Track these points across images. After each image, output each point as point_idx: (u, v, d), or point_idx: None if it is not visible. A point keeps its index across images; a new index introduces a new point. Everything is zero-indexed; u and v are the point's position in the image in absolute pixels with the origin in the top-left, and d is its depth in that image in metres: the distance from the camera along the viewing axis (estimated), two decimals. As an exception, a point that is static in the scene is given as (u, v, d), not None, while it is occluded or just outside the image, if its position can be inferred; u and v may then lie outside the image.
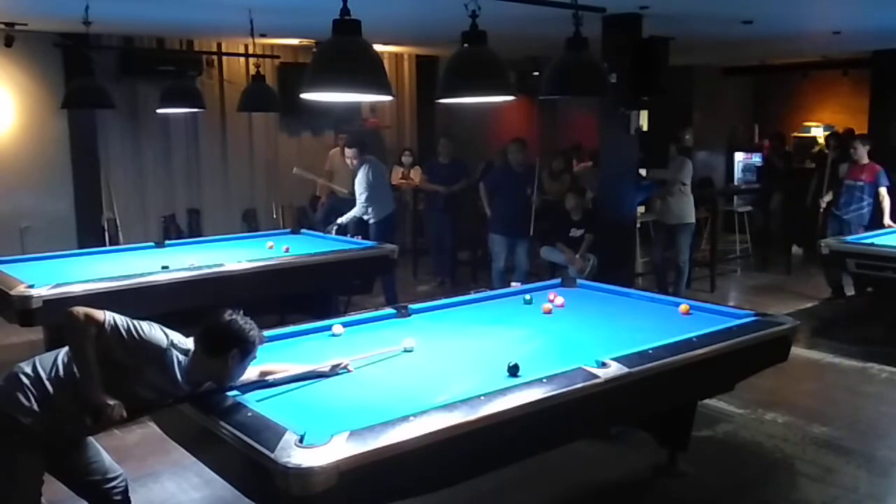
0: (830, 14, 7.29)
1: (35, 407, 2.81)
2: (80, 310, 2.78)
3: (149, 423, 3.96)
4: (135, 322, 2.84)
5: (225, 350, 2.87)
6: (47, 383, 2.86)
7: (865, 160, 7.83)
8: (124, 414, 2.74)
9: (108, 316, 2.78)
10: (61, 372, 2.86)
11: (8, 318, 5.13)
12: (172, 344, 2.87)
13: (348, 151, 7.63)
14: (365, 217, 7.57)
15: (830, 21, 7.55)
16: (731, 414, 4.95)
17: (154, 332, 2.87)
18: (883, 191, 7.65)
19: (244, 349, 2.90)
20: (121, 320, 2.80)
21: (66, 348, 2.89)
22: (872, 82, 10.43)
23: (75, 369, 2.80)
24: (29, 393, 2.84)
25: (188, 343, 2.93)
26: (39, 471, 2.90)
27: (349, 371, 3.27)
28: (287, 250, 6.28)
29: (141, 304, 5.18)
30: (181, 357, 2.88)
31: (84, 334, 2.74)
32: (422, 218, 9.52)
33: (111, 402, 2.73)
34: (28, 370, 2.94)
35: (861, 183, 7.78)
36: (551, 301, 4.42)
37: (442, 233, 8.81)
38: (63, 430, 2.89)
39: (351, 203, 7.70)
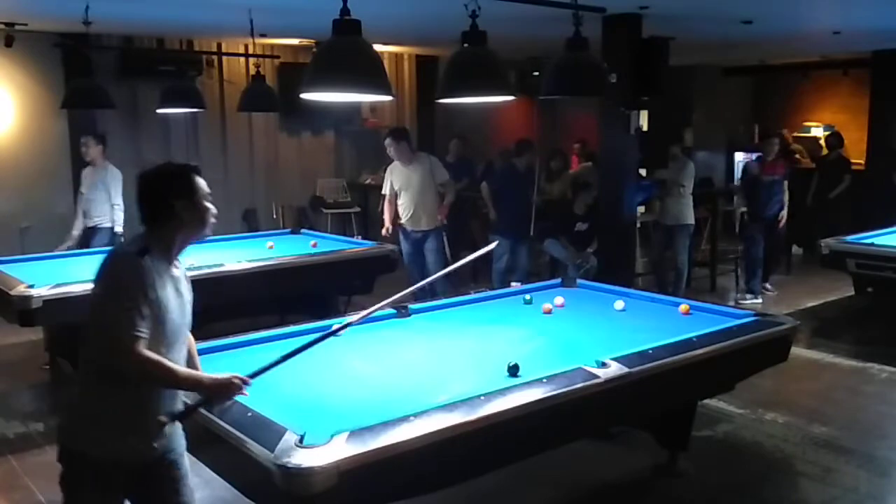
0: (830, 14, 7.29)
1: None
2: (144, 360, 2.35)
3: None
4: (140, 309, 2.34)
5: (167, 206, 2.45)
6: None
7: (772, 157, 7.96)
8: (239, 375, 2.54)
9: (140, 339, 2.34)
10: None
11: (8, 318, 5.14)
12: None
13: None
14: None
15: (830, 21, 7.55)
16: (731, 414, 4.95)
17: (137, 287, 2.36)
18: (786, 184, 8.02)
19: (188, 190, 2.47)
20: (144, 326, 2.36)
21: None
22: (872, 82, 10.41)
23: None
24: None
25: (140, 243, 2.47)
26: None
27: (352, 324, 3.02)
28: (315, 245, 6.59)
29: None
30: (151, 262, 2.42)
31: (161, 372, 2.41)
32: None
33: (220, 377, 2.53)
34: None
35: (777, 178, 7.91)
36: (559, 306, 4.42)
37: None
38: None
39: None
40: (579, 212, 7.18)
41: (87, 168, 7.18)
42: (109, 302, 2.36)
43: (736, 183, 8.10)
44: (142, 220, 2.50)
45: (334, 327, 2.96)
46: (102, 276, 2.42)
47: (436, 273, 5.88)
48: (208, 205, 2.55)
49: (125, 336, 2.30)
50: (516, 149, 7.68)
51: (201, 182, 2.54)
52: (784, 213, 8.01)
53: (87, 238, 7.05)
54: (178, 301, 2.55)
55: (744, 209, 8.45)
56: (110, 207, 6.98)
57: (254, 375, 2.63)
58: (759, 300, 7.88)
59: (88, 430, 2.46)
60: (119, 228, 6.96)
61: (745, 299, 7.89)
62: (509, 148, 8.16)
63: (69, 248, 6.65)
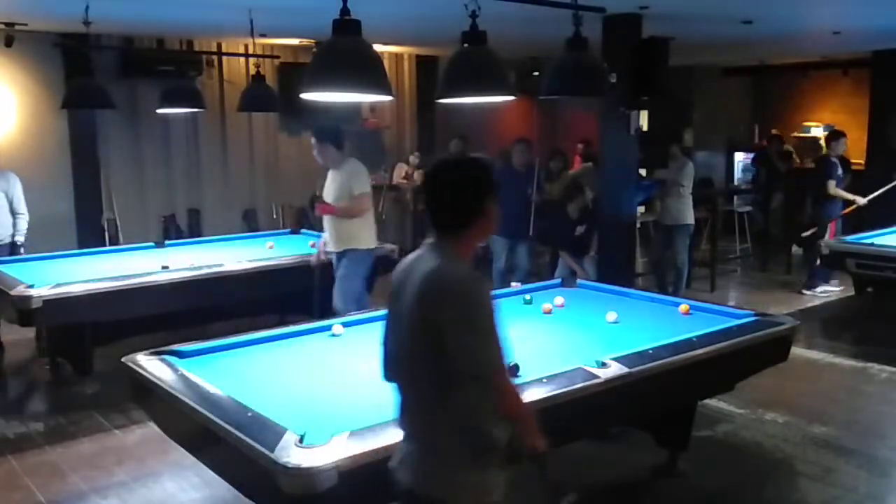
0: (830, 14, 7.29)
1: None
2: (515, 392, 2.21)
3: (149, 423, 3.97)
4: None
5: (480, 205, 2.19)
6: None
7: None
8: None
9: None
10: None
11: (8, 318, 5.14)
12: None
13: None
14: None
15: (830, 21, 7.55)
16: (731, 414, 4.95)
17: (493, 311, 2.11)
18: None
19: (493, 184, 2.23)
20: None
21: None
22: (872, 82, 10.42)
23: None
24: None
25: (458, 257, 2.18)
26: None
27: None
28: (314, 245, 6.40)
29: (141, 304, 5.21)
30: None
31: (524, 407, 2.25)
32: (422, 218, 9.53)
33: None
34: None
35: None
36: (559, 306, 4.42)
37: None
38: None
39: None
40: (574, 215, 7.15)
41: None
42: (481, 334, 2.06)
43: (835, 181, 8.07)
44: (446, 226, 2.20)
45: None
46: (455, 303, 2.06)
47: (338, 303, 5.50)
48: None
49: (500, 368, 2.10)
50: (513, 147, 7.69)
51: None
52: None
53: None
54: None
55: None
56: (11, 218, 6.28)
57: None
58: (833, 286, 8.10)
59: (454, 475, 2.13)
60: (21, 238, 6.32)
61: (817, 286, 8.09)
62: (509, 148, 8.16)
63: None
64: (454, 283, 2.09)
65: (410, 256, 2.29)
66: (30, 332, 6.12)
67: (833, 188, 7.97)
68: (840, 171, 8.09)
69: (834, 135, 8.38)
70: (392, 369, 2.31)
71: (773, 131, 11.64)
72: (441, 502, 2.12)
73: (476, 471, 2.12)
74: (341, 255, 5.67)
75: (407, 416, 2.24)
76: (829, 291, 8.11)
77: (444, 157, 2.34)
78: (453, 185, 2.19)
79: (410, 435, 2.22)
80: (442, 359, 2.04)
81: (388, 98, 3.42)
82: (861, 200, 7.97)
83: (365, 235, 5.72)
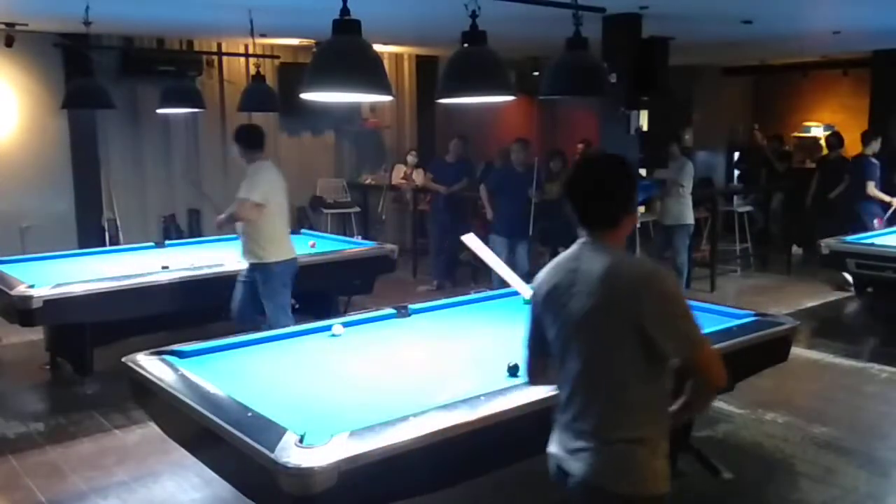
0: (830, 14, 7.29)
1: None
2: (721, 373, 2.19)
3: (149, 423, 3.97)
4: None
5: (633, 202, 2.29)
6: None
7: None
8: None
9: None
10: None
11: (8, 318, 5.14)
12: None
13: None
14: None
15: (830, 21, 7.55)
16: (731, 414, 4.95)
17: None
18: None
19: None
20: None
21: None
22: (872, 82, 10.42)
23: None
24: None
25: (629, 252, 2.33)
26: None
27: None
28: (313, 245, 6.54)
29: (141, 304, 5.21)
30: None
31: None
32: (422, 218, 9.53)
33: None
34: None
35: None
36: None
37: (443, 233, 8.80)
38: None
39: None
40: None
41: None
42: (685, 318, 2.15)
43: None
44: (603, 222, 2.21)
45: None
46: (659, 294, 2.12)
47: (236, 319, 5.21)
48: None
49: (707, 341, 2.19)
50: (511, 147, 7.69)
51: None
52: None
53: None
54: None
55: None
56: None
57: None
58: None
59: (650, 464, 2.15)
60: None
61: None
62: (509, 148, 8.16)
63: None
64: (650, 275, 2.14)
65: (565, 257, 2.27)
66: (31, 333, 6.12)
67: (872, 189, 8.07)
68: (878, 171, 8.19)
69: (869, 134, 8.45)
70: (558, 370, 2.26)
71: (757, 131, 11.61)
72: (627, 494, 2.12)
73: (657, 460, 2.16)
74: (252, 269, 5.26)
75: (586, 413, 2.18)
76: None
77: (594, 155, 2.37)
78: (614, 182, 2.21)
79: (588, 432, 2.17)
80: (641, 350, 2.09)
81: (388, 98, 3.41)
82: None
83: (271, 249, 5.24)
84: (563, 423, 2.26)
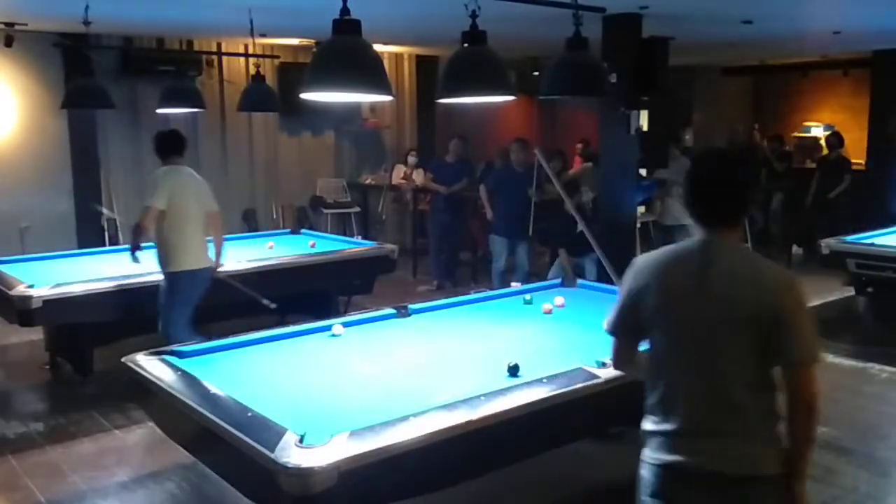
0: (830, 14, 7.29)
1: None
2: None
3: (149, 423, 3.97)
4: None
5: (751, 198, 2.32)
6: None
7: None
8: None
9: None
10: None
11: (8, 318, 5.14)
12: None
13: None
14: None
15: (830, 21, 7.55)
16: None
17: None
18: None
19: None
20: None
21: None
22: (872, 82, 10.42)
23: None
24: None
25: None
26: None
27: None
28: (313, 245, 6.56)
29: (141, 304, 5.20)
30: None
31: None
32: (422, 218, 9.53)
33: None
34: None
35: None
36: (559, 307, 4.41)
37: (443, 233, 8.81)
38: None
39: None
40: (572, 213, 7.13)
41: None
42: (812, 323, 2.14)
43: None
44: (727, 220, 2.18)
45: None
46: (796, 297, 2.13)
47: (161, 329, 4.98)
48: None
49: (819, 360, 2.16)
50: (511, 147, 7.68)
51: None
52: None
53: None
54: None
55: None
56: None
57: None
58: None
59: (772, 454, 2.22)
60: None
61: None
62: (509, 148, 8.16)
63: None
64: (789, 278, 2.16)
65: (683, 253, 2.24)
66: (31, 333, 6.12)
67: None
68: None
69: None
70: (688, 366, 2.22)
71: (757, 131, 11.61)
72: (766, 476, 2.17)
73: (779, 447, 2.22)
74: (165, 277, 5.11)
75: (716, 409, 2.18)
76: None
77: (718, 152, 2.33)
78: (741, 180, 2.19)
79: (715, 428, 2.18)
80: (770, 349, 2.11)
81: (388, 98, 3.41)
82: None
83: (176, 257, 5.04)
84: (689, 424, 2.20)
